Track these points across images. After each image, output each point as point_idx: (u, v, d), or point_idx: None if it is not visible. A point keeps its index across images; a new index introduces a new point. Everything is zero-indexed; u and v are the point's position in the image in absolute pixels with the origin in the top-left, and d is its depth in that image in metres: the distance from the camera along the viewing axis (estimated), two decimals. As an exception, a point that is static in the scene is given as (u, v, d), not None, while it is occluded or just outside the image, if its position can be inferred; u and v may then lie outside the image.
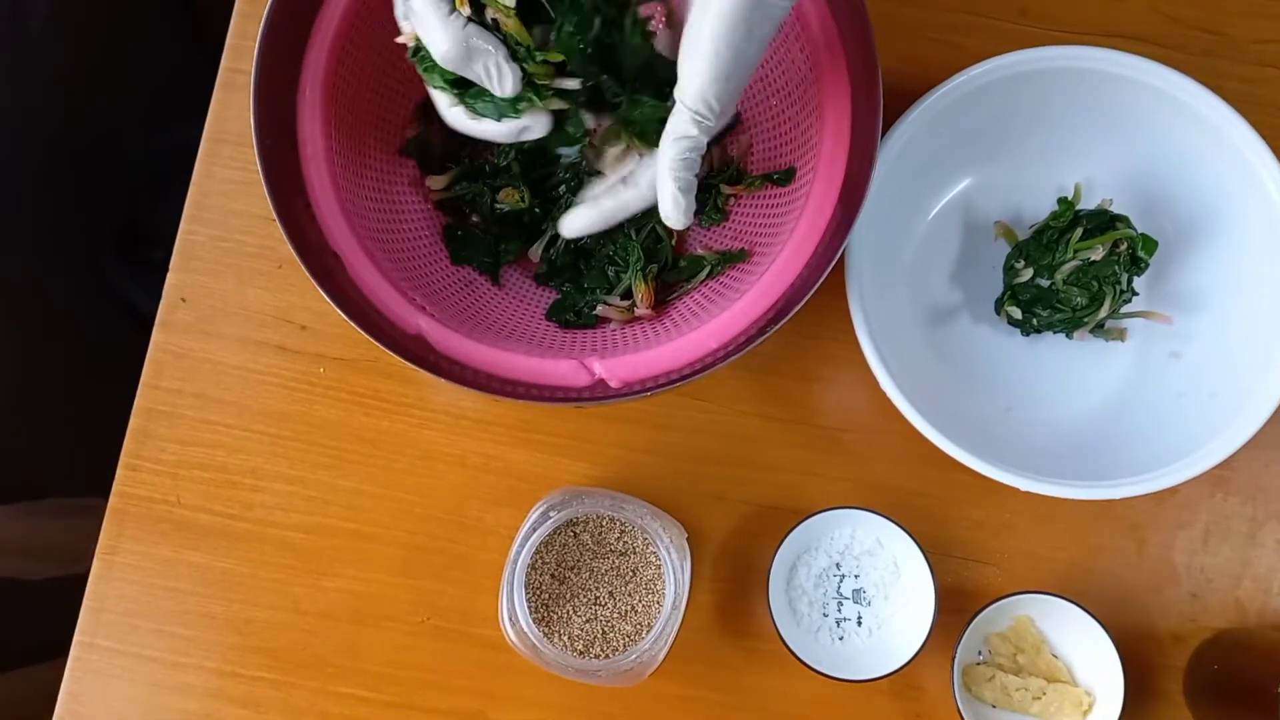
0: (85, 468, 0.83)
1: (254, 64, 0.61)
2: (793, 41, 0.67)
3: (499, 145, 0.72)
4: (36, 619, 0.90)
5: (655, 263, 0.72)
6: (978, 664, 0.71)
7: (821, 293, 0.61)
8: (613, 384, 0.62)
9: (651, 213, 0.72)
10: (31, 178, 0.91)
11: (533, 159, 0.73)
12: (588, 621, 0.68)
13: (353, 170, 0.67)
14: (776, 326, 0.61)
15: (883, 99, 0.62)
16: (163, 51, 1.05)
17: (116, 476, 0.73)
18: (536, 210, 0.73)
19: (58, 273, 0.99)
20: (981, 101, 0.69)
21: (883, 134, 0.66)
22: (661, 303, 0.72)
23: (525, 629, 0.65)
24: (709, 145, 0.58)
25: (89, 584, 0.73)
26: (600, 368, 0.63)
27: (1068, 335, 0.74)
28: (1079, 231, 0.71)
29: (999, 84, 0.69)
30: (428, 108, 0.71)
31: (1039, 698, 0.69)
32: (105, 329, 1.04)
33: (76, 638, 0.72)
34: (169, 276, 0.75)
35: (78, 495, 0.98)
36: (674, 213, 0.59)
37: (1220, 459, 0.65)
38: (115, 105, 1.00)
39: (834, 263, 0.62)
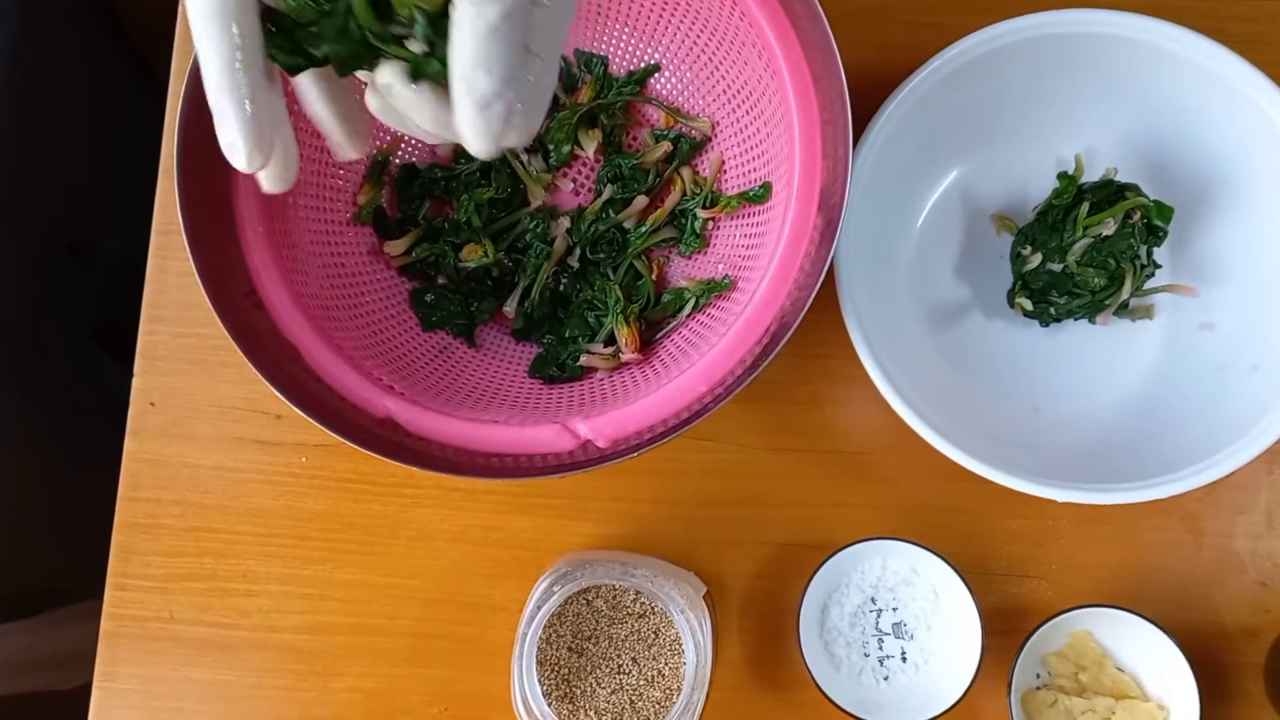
0: (104, 569, 0.81)
1: (175, 146, 0.57)
2: (749, 48, 0.63)
3: (457, 199, 0.68)
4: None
5: (636, 302, 0.67)
6: (1037, 689, 0.66)
7: (818, 308, 0.56)
8: (601, 444, 0.58)
9: (628, 248, 0.68)
10: (16, 275, 0.88)
11: (493, 211, 0.69)
12: (613, 692, 0.64)
13: (302, 250, 0.63)
14: (768, 359, 0.57)
15: (849, 95, 0.57)
16: (139, 144, 1.03)
17: (105, 598, 0.70)
18: (506, 262, 0.69)
19: (58, 371, 0.97)
20: (962, 83, 0.64)
21: (859, 132, 0.62)
22: (649, 343, 0.67)
23: (539, 715, 0.61)
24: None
25: (90, 715, 0.69)
26: (585, 428, 0.58)
27: (1090, 320, 0.68)
28: (1086, 206, 0.66)
29: (978, 62, 0.64)
30: (377, 171, 0.68)
31: (1108, 718, 0.63)
32: (107, 427, 1.02)
33: (84, 772, 0.69)
34: (134, 381, 0.72)
35: (98, 597, 0.96)
36: (474, 124, 0.39)
37: (1276, 437, 0.60)
38: (86, 202, 0.97)
39: (822, 278, 0.57)
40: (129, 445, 0.71)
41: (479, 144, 0.40)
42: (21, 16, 0.86)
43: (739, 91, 0.66)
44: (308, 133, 0.64)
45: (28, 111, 0.87)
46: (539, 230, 0.68)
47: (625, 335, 0.66)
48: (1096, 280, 0.66)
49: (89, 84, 0.97)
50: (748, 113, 0.66)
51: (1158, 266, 0.67)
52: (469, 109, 0.39)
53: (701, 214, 0.68)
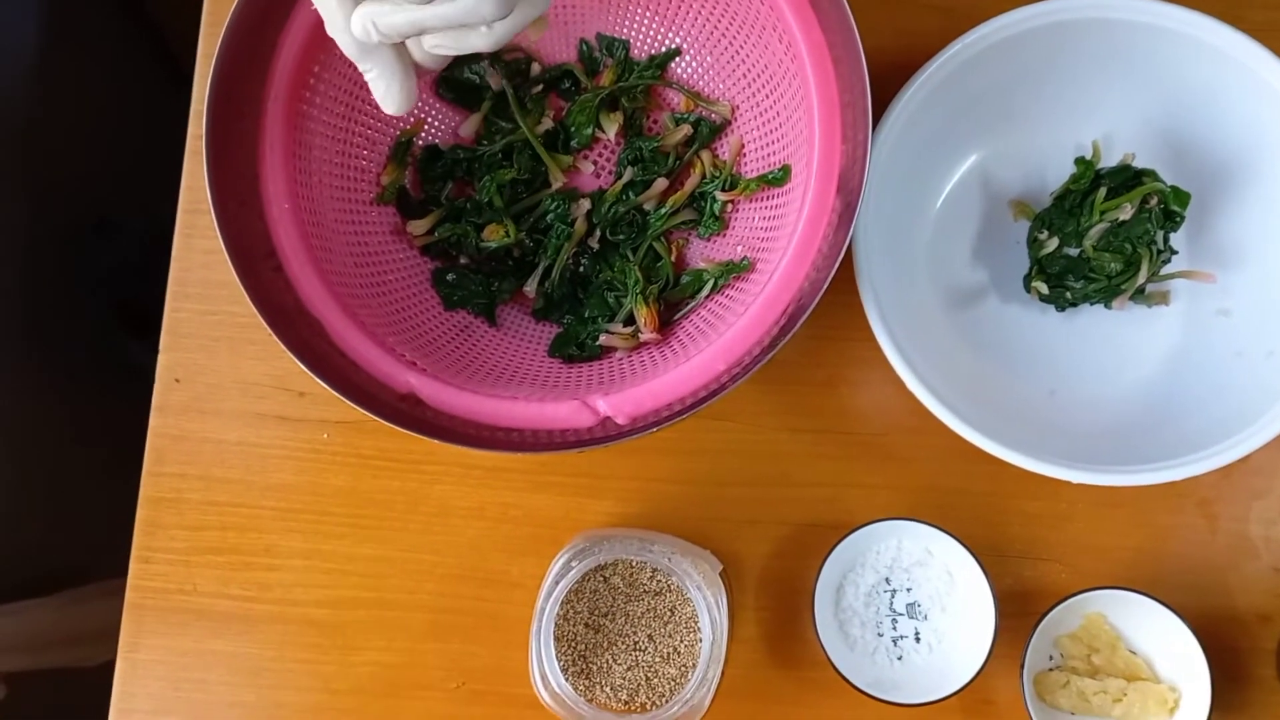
0: (126, 547, 0.82)
1: (205, 125, 0.58)
2: (769, 32, 0.63)
3: (479, 180, 0.69)
4: (98, 708, 0.88)
5: (655, 283, 0.68)
6: (1050, 670, 0.66)
7: (836, 290, 0.57)
8: (620, 421, 0.58)
9: (648, 230, 0.69)
10: (42, 254, 0.89)
11: (514, 192, 0.69)
12: (629, 669, 0.65)
13: (327, 228, 0.64)
14: (785, 339, 0.57)
15: (869, 79, 0.58)
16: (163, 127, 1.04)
17: (130, 570, 0.71)
18: (527, 242, 0.69)
19: (80, 349, 0.98)
20: (981, 68, 0.65)
21: (879, 115, 0.62)
22: (668, 324, 0.68)
23: (558, 689, 0.62)
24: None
25: (114, 685, 0.70)
26: (605, 405, 0.59)
27: (1106, 305, 0.68)
28: (1103, 191, 0.66)
29: (997, 48, 0.64)
30: (401, 152, 0.69)
31: (1120, 699, 0.64)
32: (128, 404, 1.03)
33: (108, 742, 0.70)
34: (160, 358, 0.73)
35: (120, 575, 0.97)
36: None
37: (1290, 421, 0.60)
38: (111, 183, 0.98)
39: (839, 260, 0.57)
40: (154, 421, 0.72)
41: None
42: (49, 3, 0.87)
43: (759, 75, 0.67)
44: (333, 113, 0.65)
45: (56, 96, 0.88)
46: (560, 211, 0.69)
47: (644, 315, 0.67)
48: (1113, 265, 0.66)
49: (115, 69, 0.98)
50: (768, 96, 0.67)
51: (1174, 252, 0.67)
52: None
53: (721, 196, 0.69)
